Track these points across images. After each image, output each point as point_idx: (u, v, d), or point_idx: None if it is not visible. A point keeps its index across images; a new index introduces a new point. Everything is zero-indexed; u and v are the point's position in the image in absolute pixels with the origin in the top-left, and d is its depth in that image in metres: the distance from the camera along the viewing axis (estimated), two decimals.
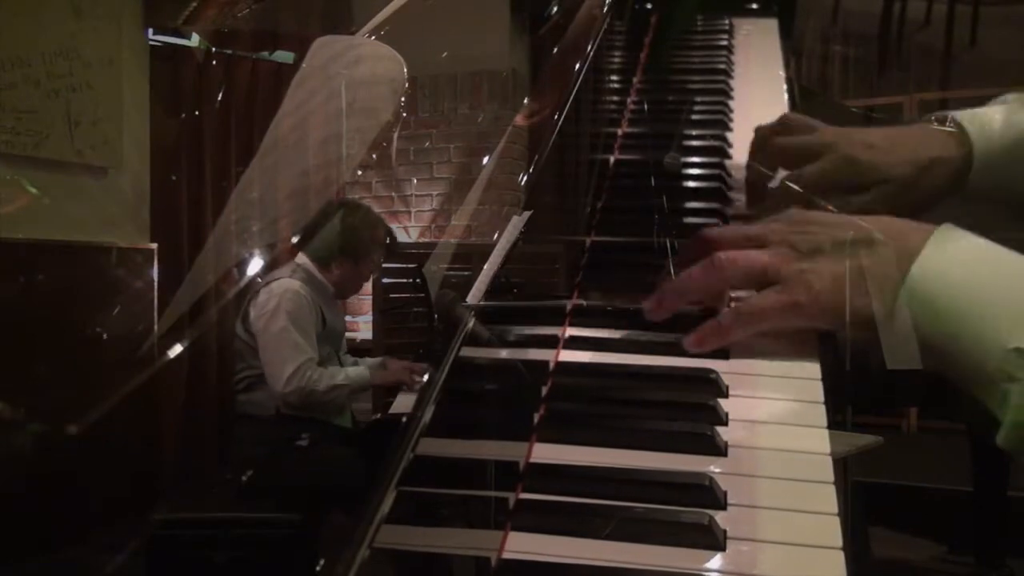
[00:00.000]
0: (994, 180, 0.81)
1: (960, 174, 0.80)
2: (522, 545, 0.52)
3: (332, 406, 2.61)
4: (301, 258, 2.67)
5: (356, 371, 2.64)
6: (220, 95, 3.90)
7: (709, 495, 0.55)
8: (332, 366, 2.63)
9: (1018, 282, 0.59)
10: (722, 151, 1.03)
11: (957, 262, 0.60)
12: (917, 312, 0.60)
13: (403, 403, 2.58)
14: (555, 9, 1.08)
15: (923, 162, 0.80)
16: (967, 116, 0.82)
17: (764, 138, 0.88)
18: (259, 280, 2.52)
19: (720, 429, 0.61)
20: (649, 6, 1.35)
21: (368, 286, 3.14)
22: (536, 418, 0.63)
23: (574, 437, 0.61)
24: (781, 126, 0.87)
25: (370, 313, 3.88)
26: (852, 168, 0.81)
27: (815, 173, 0.81)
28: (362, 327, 3.83)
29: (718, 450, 0.59)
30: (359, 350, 3.25)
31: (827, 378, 0.66)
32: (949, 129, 0.82)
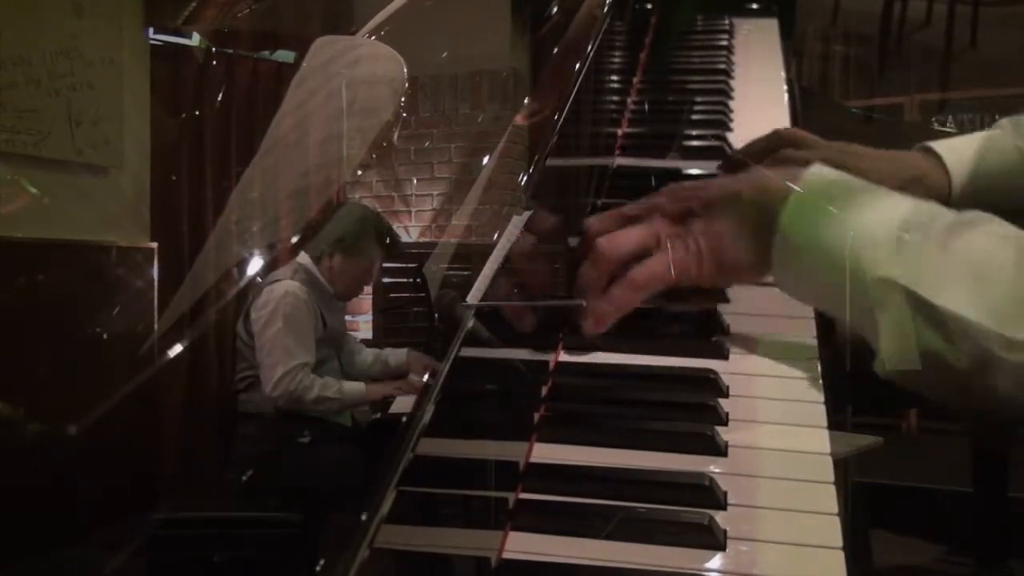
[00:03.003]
0: (973, 191, 0.85)
1: (942, 199, 0.82)
2: (522, 545, 0.52)
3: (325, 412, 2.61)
4: (303, 257, 2.67)
5: (351, 387, 2.63)
6: (220, 95, 3.90)
7: (709, 495, 0.55)
8: (327, 375, 2.62)
9: (883, 214, 0.60)
10: (722, 151, 1.03)
11: (826, 201, 0.62)
12: (791, 259, 0.62)
13: (403, 403, 2.57)
14: (555, 9, 1.08)
15: (906, 180, 0.83)
16: (944, 146, 0.87)
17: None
18: (259, 280, 2.52)
19: (720, 429, 0.61)
20: (649, 6, 1.35)
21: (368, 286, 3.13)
22: (536, 418, 0.63)
23: (574, 437, 0.61)
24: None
25: (370, 313, 3.87)
26: (851, 169, 0.82)
27: (804, 159, 0.83)
28: (362, 327, 3.82)
29: (718, 450, 0.59)
30: None
31: (827, 378, 0.66)
32: (930, 156, 0.87)
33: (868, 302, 0.57)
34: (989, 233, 0.58)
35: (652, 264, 0.66)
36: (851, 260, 0.58)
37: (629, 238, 0.68)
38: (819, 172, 0.65)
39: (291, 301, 2.54)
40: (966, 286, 0.55)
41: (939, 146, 0.87)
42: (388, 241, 2.84)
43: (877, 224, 0.59)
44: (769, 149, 0.87)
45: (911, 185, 0.83)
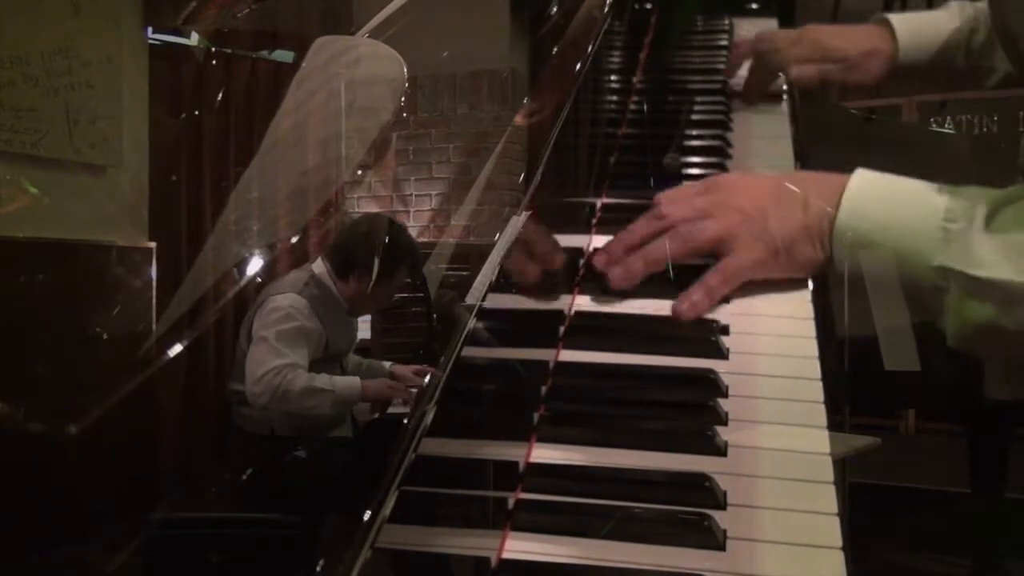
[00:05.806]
0: (914, 61, 1.11)
1: (891, 62, 1.09)
2: (522, 545, 0.52)
3: (321, 419, 2.46)
4: (319, 266, 2.53)
5: (345, 380, 2.43)
6: (220, 95, 3.89)
7: (709, 495, 0.55)
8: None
9: (927, 208, 0.67)
10: (722, 151, 1.03)
11: (875, 202, 0.70)
12: (851, 252, 0.69)
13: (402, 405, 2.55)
14: (555, 9, 1.08)
15: (863, 52, 1.09)
16: (898, 19, 1.10)
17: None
18: (259, 281, 2.46)
19: (720, 429, 0.61)
20: (649, 6, 1.35)
21: None
22: (536, 418, 0.63)
23: (574, 437, 0.61)
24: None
25: (369, 313, 3.85)
26: (818, 47, 1.10)
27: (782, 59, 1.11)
28: (361, 327, 3.81)
29: (718, 450, 0.59)
30: (358, 350, 3.21)
31: (827, 378, 0.66)
32: (884, 27, 1.10)
33: (928, 289, 0.65)
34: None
35: (737, 261, 0.72)
36: (909, 251, 0.66)
37: (707, 234, 0.73)
38: (865, 175, 0.71)
39: (293, 320, 2.40)
40: (1008, 257, 0.62)
41: (895, 18, 1.09)
42: (415, 267, 2.76)
43: (921, 220, 0.67)
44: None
45: (869, 55, 1.09)
